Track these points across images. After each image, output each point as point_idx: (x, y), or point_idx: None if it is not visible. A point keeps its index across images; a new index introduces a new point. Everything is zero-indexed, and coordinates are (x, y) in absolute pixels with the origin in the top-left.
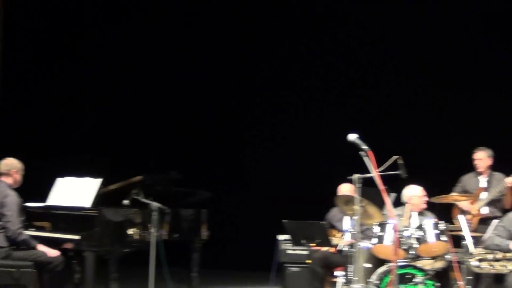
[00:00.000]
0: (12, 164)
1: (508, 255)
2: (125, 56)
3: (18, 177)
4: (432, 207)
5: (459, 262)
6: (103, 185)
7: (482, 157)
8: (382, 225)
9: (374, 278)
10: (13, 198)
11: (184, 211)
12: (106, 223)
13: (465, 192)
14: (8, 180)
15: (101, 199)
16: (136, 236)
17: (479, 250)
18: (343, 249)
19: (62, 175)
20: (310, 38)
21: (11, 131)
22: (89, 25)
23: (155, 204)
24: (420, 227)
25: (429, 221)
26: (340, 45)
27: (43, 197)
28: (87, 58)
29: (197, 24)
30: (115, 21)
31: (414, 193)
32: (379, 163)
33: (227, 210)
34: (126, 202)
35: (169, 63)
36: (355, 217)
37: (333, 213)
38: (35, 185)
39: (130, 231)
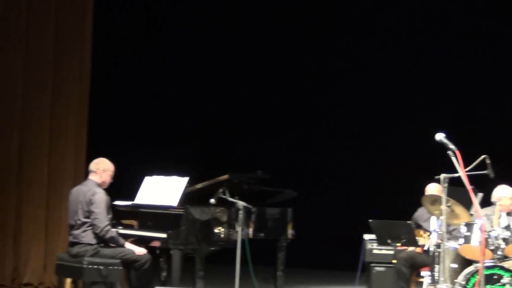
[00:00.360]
0: (101, 163)
1: None
2: (208, 53)
3: (106, 176)
4: None
5: None
6: (190, 183)
7: None
8: (469, 225)
9: (460, 278)
10: (101, 196)
11: (270, 210)
12: (192, 221)
13: None
14: (97, 179)
15: (188, 197)
16: (222, 235)
17: None
18: (430, 249)
19: (150, 174)
20: (396, 35)
21: (102, 129)
22: (179, 22)
23: (241, 203)
24: (507, 228)
25: None
26: (427, 43)
27: (131, 195)
28: (179, 55)
29: (286, 23)
30: (196, 19)
31: (504, 194)
32: (466, 163)
33: (313, 209)
34: (212, 200)
35: (253, 60)
36: (442, 217)
37: (420, 212)
38: (123, 183)
39: (216, 230)
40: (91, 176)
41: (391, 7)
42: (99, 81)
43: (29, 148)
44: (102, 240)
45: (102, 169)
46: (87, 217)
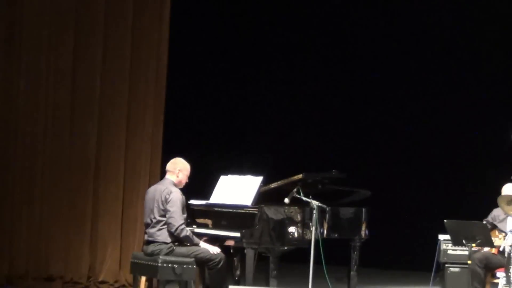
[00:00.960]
0: (178, 163)
1: None
2: (284, 52)
3: (182, 176)
4: None
5: None
6: (264, 183)
7: None
8: None
9: None
10: (176, 195)
11: (344, 209)
12: (266, 220)
13: None
14: (173, 178)
15: (262, 197)
16: (296, 234)
17: None
18: (505, 250)
19: (226, 173)
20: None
21: (178, 128)
22: (256, 21)
23: (315, 203)
24: None
25: None
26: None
27: (206, 194)
28: (255, 54)
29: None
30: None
31: None
32: None
33: (388, 209)
34: (286, 200)
35: (324, 59)
36: None
37: (496, 213)
38: (198, 183)
39: (290, 229)
40: (168, 176)
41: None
42: (175, 80)
43: (106, 148)
44: (177, 239)
45: (179, 169)
46: (163, 216)
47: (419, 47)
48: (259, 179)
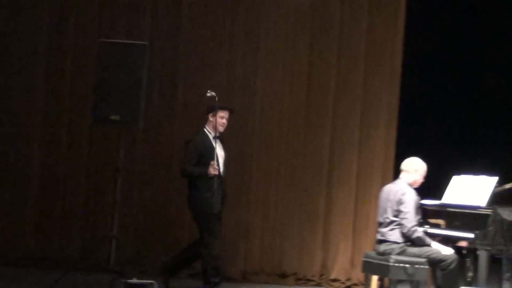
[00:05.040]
0: (414, 163)
1: None
2: None
3: (418, 176)
4: None
5: None
6: (499, 183)
7: None
8: None
9: None
10: (411, 196)
11: None
12: (500, 222)
13: None
14: (408, 178)
15: (496, 197)
16: None
17: None
18: None
19: (458, 173)
20: None
21: (411, 126)
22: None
23: None
24: None
25: None
26: None
27: (439, 194)
28: (492, 47)
29: None
30: None
31: None
32: None
33: None
34: None
35: None
36: None
37: None
38: (432, 182)
39: None
40: (403, 175)
41: None
42: (410, 78)
43: (340, 147)
44: (409, 239)
45: (415, 168)
46: (396, 216)
47: None
48: (494, 180)
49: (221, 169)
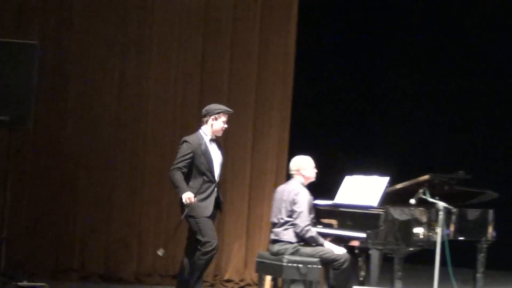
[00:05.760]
0: (300, 161)
1: None
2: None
3: (307, 172)
4: None
5: None
6: (390, 183)
7: None
8: None
9: None
10: (304, 196)
11: (471, 211)
12: (392, 221)
13: None
14: (300, 177)
15: (387, 197)
16: (422, 236)
17: None
18: None
19: (350, 173)
20: None
21: (304, 128)
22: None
23: (442, 204)
24: None
25: None
26: None
27: (331, 195)
28: (377, 52)
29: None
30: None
31: None
32: None
33: None
34: (412, 201)
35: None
36: None
37: None
38: (324, 183)
39: (416, 230)
40: (295, 175)
41: None
42: (302, 80)
43: (233, 146)
44: (302, 239)
45: (303, 166)
46: (290, 216)
47: None
48: (385, 180)
49: (217, 173)
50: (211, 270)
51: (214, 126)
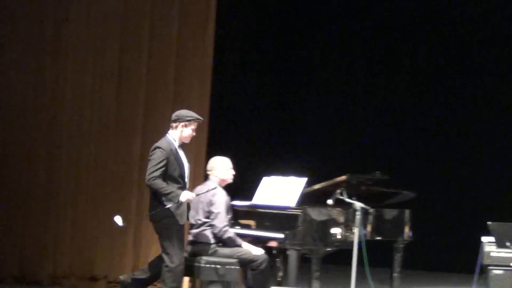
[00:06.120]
0: (218, 162)
1: None
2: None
3: (222, 173)
4: None
5: None
6: (308, 184)
7: None
8: None
9: None
10: (221, 197)
11: (388, 211)
12: (310, 222)
13: None
14: (217, 178)
15: (305, 198)
16: (339, 236)
17: None
18: None
19: (269, 174)
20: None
21: (222, 130)
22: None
23: (359, 204)
24: None
25: None
26: None
27: (249, 195)
28: (299, 55)
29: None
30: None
31: None
32: None
33: (432, 211)
34: (330, 201)
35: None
36: None
37: None
38: (242, 184)
39: (333, 231)
40: (212, 176)
41: None
42: (220, 82)
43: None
44: (220, 240)
45: (220, 167)
46: (207, 217)
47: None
48: (303, 180)
49: (187, 179)
50: (129, 271)
51: (183, 132)
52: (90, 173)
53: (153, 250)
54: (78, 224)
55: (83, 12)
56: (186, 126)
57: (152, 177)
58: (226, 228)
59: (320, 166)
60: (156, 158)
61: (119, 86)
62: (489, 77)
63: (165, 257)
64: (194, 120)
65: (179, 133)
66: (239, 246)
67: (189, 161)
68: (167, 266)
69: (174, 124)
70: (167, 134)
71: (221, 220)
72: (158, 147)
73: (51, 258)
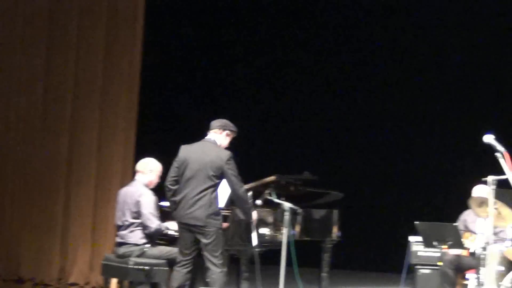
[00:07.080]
0: (149, 164)
1: None
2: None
3: (153, 176)
4: None
5: None
6: None
7: None
8: None
9: (506, 281)
10: (148, 197)
11: (316, 211)
12: (238, 222)
13: None
14: (144, 179)
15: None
16: (268, 236)
17: None
18: (476, 251)
19: None
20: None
21: (150, 130)
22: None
23: (287, 204)
24: None
25: None
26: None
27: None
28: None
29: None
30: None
31: None
32: None
33: (359, 211)
34: (258, 202)
35: (294, 54)
36: (489, 220)
37: (467, 215)
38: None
39: (262, 231)
40: (138, 177)
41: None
42: (149, 81)
43: (78, 149)
44: (152, 239)
45: (149, 169)
46: (135, 218)
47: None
48: None
49: None
50: (56, 273)
51: (226, 140)
52: (15, 174)
53: (80, 250)
54: (3, 226)
55: (8, 12)
56: (228, 135)
57: (242, 186)
58: (159, 226)
59: (249, 165)
60: (235, 167)
61: (45, 88)
62: (419, 74)
63: (218, 262)
64: (236, 132)
65: (223, 139)
66: (166, 228)
67: (117, 163)
68: (222, 271)
69: (219, 130)
70: (212, 139)
71: (152, 220)
72: (232, 155)
73: None
